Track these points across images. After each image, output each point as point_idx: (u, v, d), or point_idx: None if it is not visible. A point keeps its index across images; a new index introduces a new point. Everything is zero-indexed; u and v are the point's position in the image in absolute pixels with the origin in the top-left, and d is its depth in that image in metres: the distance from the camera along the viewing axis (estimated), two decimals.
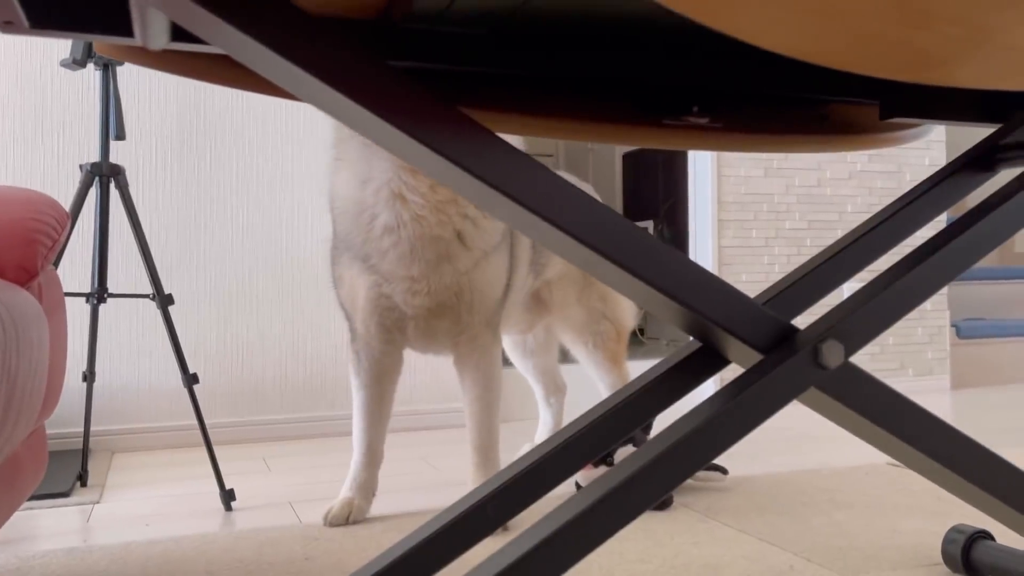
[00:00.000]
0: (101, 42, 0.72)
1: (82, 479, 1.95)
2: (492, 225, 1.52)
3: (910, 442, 0.65)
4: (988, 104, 0.98)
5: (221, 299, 2.51)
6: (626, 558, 1.34)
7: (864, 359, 3.33)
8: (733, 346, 0.72)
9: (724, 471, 1.77)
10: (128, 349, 2.41)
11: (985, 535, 1.23)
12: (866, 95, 0.96)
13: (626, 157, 4.98)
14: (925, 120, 0.97)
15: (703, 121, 0.91)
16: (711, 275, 0.68)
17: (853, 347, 0.67)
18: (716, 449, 0.64)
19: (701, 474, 1.77)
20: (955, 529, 1.25)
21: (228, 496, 1.71)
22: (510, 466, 0.74)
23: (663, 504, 1.61)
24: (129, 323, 2.41)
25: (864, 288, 0.70)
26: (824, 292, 0.83)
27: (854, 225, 3.00)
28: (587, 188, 2.07)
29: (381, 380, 1.61)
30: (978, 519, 1.47)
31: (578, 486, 1.79)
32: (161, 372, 2.42)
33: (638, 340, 4.90)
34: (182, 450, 2.37)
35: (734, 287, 0.68)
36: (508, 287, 1.66)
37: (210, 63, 0.74)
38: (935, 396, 3.32)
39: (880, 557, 1.33)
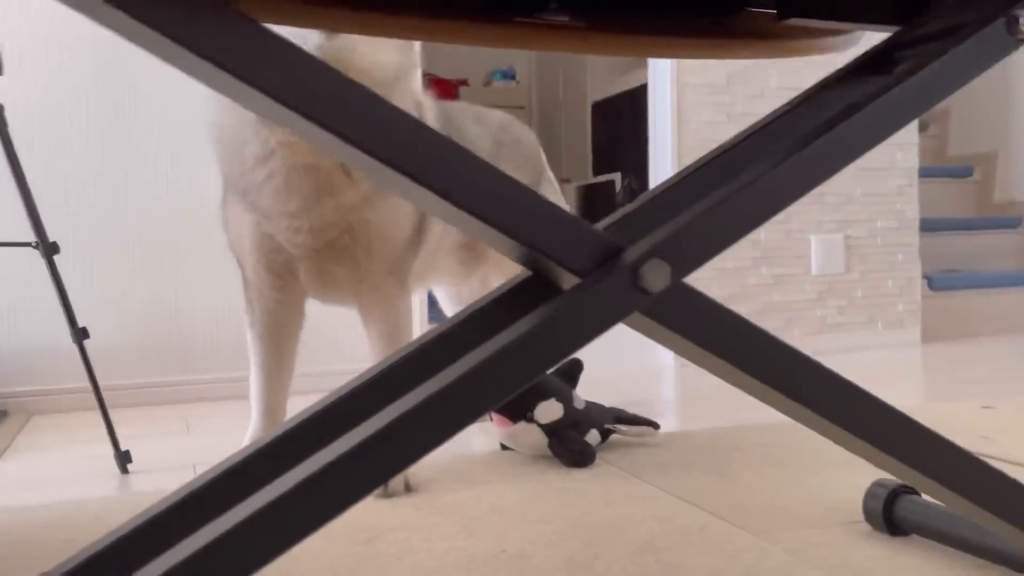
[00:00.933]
0: None
1: None
2: None
3: (745, 368, 0.54)
4: (895, 4, 0.85)
5: (146, 254, 2.38)
6: (528, 519, 1.24)
7: (831, 312, 3.23)
8: (557, 271, 0.61)
9: (656, 426, 1.67)
10: (47, 306, 2.29)
11: (909, 490, 1.13)
12: None
13: (595, 108, 4.83)
14: (826, 22, 0.85)
15: (563, 19, 0.79)
16: (527, 190, 0.57)
17: (683, 268, 0.56)
18: (512, 385, 0.53)
19: (632, 429, 1.66)
20: (877, 484, 1.14)
21: (124, 458, 1.60)
22: (297, 414, 0.63)
23: (583, 461, 1.51)
24: (47, 279, 2.28)
25: (701, 202, 0.58)
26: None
27: None
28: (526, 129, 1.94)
29: (278, 332, 1.49)
30: None
31: (503, 447, 1.68)
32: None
33: None
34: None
35: (557, 205, 0.57)
36: (421, 232, 1.53)
37: None
38: (905, 350, 3.23)
39: (801, 515, 1.23)
